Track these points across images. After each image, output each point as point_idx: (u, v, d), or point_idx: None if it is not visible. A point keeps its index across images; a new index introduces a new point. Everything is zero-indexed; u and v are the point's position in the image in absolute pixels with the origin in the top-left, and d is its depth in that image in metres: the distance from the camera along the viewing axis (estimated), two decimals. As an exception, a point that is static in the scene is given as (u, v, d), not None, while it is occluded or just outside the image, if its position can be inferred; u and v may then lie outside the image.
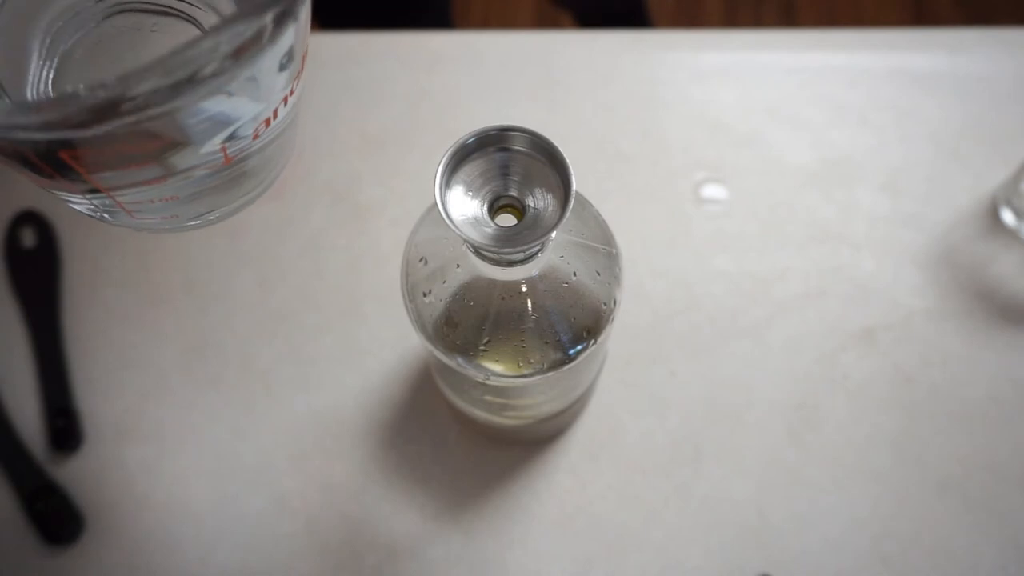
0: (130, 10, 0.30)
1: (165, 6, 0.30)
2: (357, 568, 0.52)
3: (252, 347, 0.55)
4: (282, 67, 0.26)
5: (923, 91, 0.60)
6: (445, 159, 0.30)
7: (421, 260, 0.39)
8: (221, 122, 0.26)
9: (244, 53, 0.22)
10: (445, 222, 0.30)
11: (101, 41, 0.29)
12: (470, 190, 0.31)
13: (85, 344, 0.55)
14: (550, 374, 0.39)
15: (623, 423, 0.54)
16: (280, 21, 0.23)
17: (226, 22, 0.21)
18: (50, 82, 0.29)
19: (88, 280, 0.57)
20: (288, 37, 0.25)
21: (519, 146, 0.31)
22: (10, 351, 0.55)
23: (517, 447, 0.54)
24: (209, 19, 0.30)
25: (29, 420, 0.54)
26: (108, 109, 0.21)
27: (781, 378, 0.55)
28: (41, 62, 0.29)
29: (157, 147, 0.25)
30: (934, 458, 0.53)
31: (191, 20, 0.30)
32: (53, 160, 0.24)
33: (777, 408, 0.54)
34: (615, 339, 0.54)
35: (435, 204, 0.30)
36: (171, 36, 0.30)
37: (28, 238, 0.56)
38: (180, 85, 0.21)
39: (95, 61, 0.29)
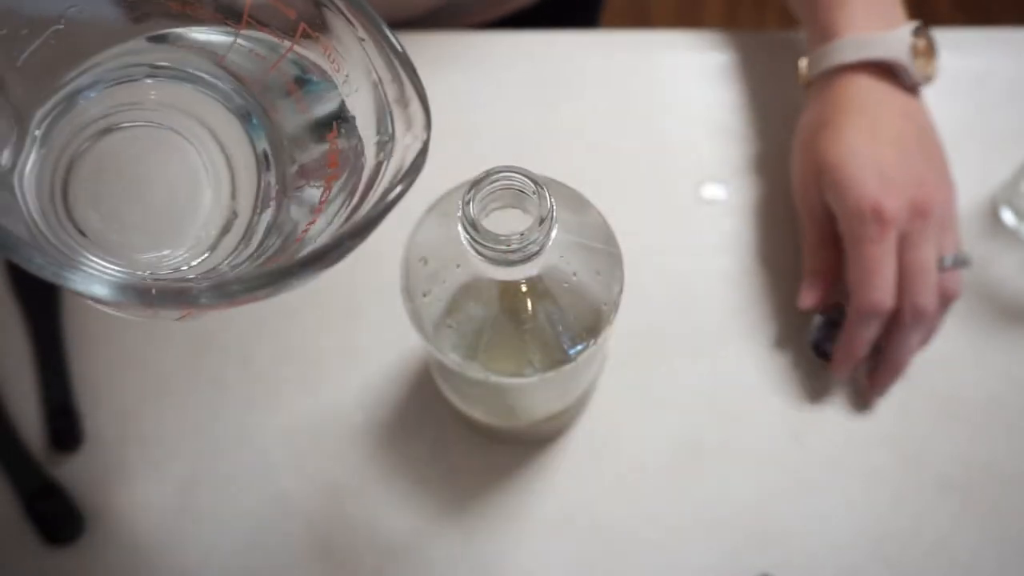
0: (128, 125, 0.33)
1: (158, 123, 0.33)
2: (357, 568, 0.52)
3: (252, 347, 0.55)
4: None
5: (923, 91, 0.60)
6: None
7: (421, 260, 0.39)
8: None
9: None
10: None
11: (103, 157, 0.32)
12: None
13: (85, 344, 0.55)
14: (550, 374, 0.39)
15: (623, 423, 0.54)
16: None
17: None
18: (28, 165, 0.31)
19: (88, 280, 0.56)
20: None
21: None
22: (10, 351, 0.55)
23: (517, 447, 0.54)
24: (197, 133, 0.34)
25: (29, 420, 0.54)
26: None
27: (781, 378, 0.55)
28: (29, 143, 0.31)
29: None
30: (934, 458, 0.53)
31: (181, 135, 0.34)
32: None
33: (777, 408, 0.54)
34: (615, 339, 0.54)
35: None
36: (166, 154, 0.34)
37: (28, 238, 0.56)
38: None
39: (101, 179, 0.32)
